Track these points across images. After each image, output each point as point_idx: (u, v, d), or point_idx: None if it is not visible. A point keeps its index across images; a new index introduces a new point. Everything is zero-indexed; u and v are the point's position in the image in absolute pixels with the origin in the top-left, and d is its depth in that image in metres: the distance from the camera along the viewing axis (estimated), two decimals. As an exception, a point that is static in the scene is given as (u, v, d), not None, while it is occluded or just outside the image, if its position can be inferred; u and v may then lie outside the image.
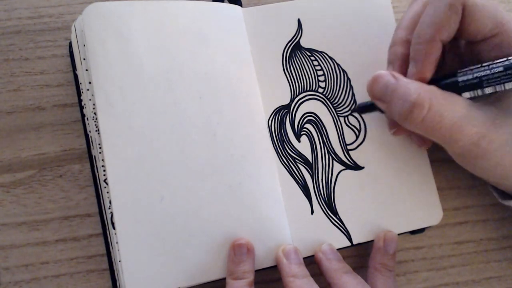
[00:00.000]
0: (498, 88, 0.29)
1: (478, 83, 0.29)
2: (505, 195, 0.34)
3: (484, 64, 0.29)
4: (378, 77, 0.31)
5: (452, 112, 0.29)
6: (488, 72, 0.28)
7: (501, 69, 0.28)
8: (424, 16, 0.30)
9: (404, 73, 0.32)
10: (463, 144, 0.29)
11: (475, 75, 0.29)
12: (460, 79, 0.30)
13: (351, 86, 0.36)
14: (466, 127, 0.29)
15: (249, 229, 0.32)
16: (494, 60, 0.29)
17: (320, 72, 0.36)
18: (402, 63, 0.32)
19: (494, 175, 0.31)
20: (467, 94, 0.30)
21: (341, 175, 0.35)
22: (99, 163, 0.31)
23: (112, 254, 0.32)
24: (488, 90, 0.29)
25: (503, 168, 0.30)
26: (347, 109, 0.36)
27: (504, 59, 0.28)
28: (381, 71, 0.31)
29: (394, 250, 0.34)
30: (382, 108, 0.32)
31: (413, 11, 0.32)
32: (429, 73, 0.30)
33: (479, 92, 0.29)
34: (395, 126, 0.34)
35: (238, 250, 0.31)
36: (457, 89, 0.30)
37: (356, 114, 0.36)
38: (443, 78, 0.30)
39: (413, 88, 0.29)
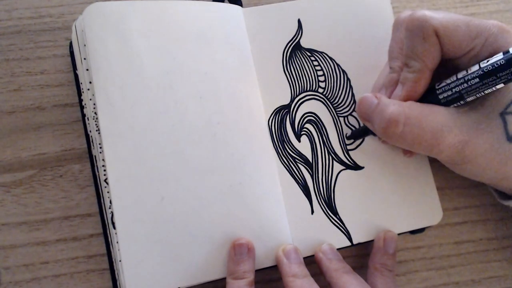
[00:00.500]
0: (479, 95, 0.29)
1: (458, 97, 0.29)
2: (504, 195, 0.34)
3: (459, 77, 0.29)
4: (363, 99, 0.32)
5: (431, 123, 0.29)
6: (465, 85, 0.29)
7: (477, 80, 0.28)
8: (406, 50, 0.31)
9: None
10: (448, 154, 0.30)
11: (454, 90, 0.29)
12: (440, 96, 0.30)
13: (351, 86, 0.36)
14: (448, 136, 0.29)
15: (250, 229, 0.32)
16: (467, 69, 0.29)
17: (320, 72, 0.36)
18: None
19: (486, 178, 0.32)
20: (451, 106, 0.30)
21: (341, 175, 0.35)
22: (100, 163, 0.31)
23: (112, 254, 0.32)
24: (470, 99, 0.29)
25: (493, 171, 0.30)
26: (347, 109, 0.36)
27: (477, 68, 0.28)
28: (366, 93, 0.32)
29: (394, 250, 0.34)
30: (369, 127, 0.32)
31: (398, 39, 0.32)
32: (416, 98, 0.31)
33: (461, 102, 0.30)
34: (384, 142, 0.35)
35: (239, 250, 0.31)
36: (440, 104, 0.30)
37: (356, 114, 0.36)
38: (423, 96, 0.31)
39: (388, 106, 0.30)
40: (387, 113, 0.30)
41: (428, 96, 0.31)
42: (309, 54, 0.36)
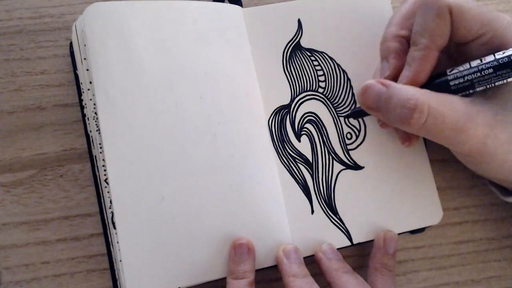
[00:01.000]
0: (489, 86, 0.29)
1: (469, 85, 0.29)
2: (506, 191, 0.34)
3: (473, 65, 0.29)
4: (367, 88, 0.31)
5: (453, 113, 0.29)
6: (478, 74, 0.29)
7: (491, 70, 0.28)
8: (416, 26, 0.30)
9: (398, 70, 0.32)
10: (471, 145, 0.29)
11: (466, 78, 0.29)
12: (451, 82, 0.30)
13: (351, 86, 0.36)
14: (471, 127, 0.29)
15: (250, 229, 0.32)
16: (481, 59, 0.29)
17: (320, 72, 0.36)
18: (396, 57, 0.32)
19: (500, 172, 0.31)
20: (459, 94, 0.30)
21: (341, 175, 0.35)
22: (100, 163, 0.31)
23: (112, 253, 0.32)
24: (480, 89, 0.29)
25: (509, 165, 0.30)
26: (347, 109, 0.36)
27: (492, 59, 0.29)
28: (369, 80, 0.31)
29: (394, 249, 0.34)
30: (377, 117, 0.32)
31: (404, 9, 0.33)
32: (423, 78, 0.30)
33: (471, 91, 0.30)
34: (386, 125, 0.34)
35: (239, 250, 0.31)
36: (449, 91, 0.30)
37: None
38: (433, 81, 0.31)
39: (410, 93, 0.29)
40: (411, 101, 0.28)
41: (439, 83, 0.30)
42: (309, 54, 0.36)
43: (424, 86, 0.30)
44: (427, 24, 0.30)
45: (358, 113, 0.34)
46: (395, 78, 0.31)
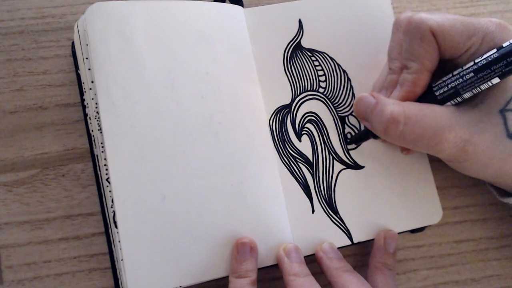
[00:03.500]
0: (475, 91, 0.29)
1: (454, 93, 0.30)
2: (504, 192, 0.34)
3: (454, 73, 0.30)
4: (360, 99, 0.32)
5: (432, 122, 0.29)
6: (460, 80, 0.29)
7: (471, 74, 0.29)
8: (405, 52, 0.31)
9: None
10: (450, 152, 0.30)
11: (450, 85, 0.30)
12: (437, 92, 0.30)
13: (351, 86, 0.36)
14: (449, 134, 0.29)
15: (251, 228, 0.32)
16: (462, 66, 0.30)
17: (320, 72, 0.36)
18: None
19: (486, 175, 0.32)
20: (448, 103, 0.30)
21: (341, 174, 0.35)
22: (102, 162, 0.31)
23: (114, 252, 0.32)
24: (467, 95, 0.30)
25: (493, 169, 0.31)
26: (347, 108, 0.36)
27: (471, 63, 0.29)
28: (363, 93, 0.32)
29: (394, 248, 0.34)
30: (367, 126, 0.33)
31: (398, 40, 0.33)
32: (414, 98, 0.31)
33: (459, 99, 0.30)
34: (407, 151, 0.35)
35: (242, 249, 0.31)
36: (437, 102, 0.31)
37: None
38: (421, 96, 0.31)
39: (388, 105, 0.30)
40: (387, 112, 0.30)
41: (425, 95, 0.31)
42: (310, 54, 0.36)
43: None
44: (414, 50, 0.30)
45: (359, 137, 0.35)
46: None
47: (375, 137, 0.34)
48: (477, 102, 0.30)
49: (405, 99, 0.31)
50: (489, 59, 0.28)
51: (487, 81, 0.28)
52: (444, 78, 0.30)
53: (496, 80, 0.28)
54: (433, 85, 0.31)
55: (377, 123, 0.31)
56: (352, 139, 0.36)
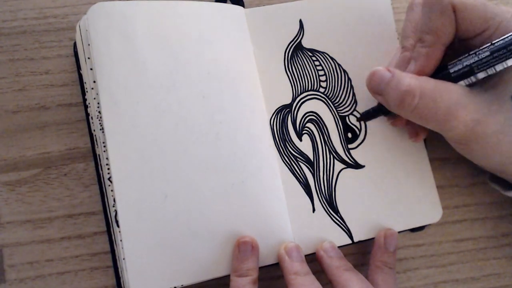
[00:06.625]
0: (489, 71, 0.29)
1: (469, 71, 0.30)
2: (509, 187, 0.34)
3: (471, 52, 0.30)
4: (374, 72, 0.32)
5: (446, 98, 0.30)
6: (476, 58, 0.30)
7: (487, 53, 0.29)
8: (422, 25, 0.31)
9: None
10: (459, 131, 0.30)
11: (465, 63, 0.30)
12: (451, 70, 0.31)
13: (351, 86, 0.37)
14: (461, 113, 0.30)
15: (252, 227, 0.32)
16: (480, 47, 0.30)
17: (321, 72, 0.36)
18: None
19: (492, 162, 0.32)
20: (462, 83, 0.31)
21: (342, 173, 0.35)
22: (103, 162, 0.31)
23: (116, 251, 0.32)
24: (481, 75, 0.30)
25: (500, 155, 0.31)
26: (348, 108, 0.36)
27: (488, 44, 0.29)
28: (378, 67, 0.32)
29: (394, 247, 0.34)
30: (379, 100, 0.33)
31: (412, 19, 0.33)
32: (427, 74, 0.31)
33: (473, 78, 0.30)
34: (393, 118, 0.35)
35: (243, 247, 0.31)
36: (451, 79, 0.31)
37: (357, 114, 0.36)
38: (435, 72, 0.31)
39: (404, 78, 0.30)
40: (404, 85, 0.30)
41: (440, 72, 0.31)
42: (310, 54, 0.36)
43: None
44: (431, 22, 0.30)
45: (368, 114, 0.35)
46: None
47: (386, 113, 0.34)
48: (488, 86, 0.30)
49: (419, 73, 0.31)
50: (507, 40, 0.28)
51: (503, 61, 0.29)
52: (460, 57, 0.31)
53: (511, 61, 0.28)
54: (449, 64, 0.31)
55: (392, 95, 0.31)
56: (362, 116, 0.36)
